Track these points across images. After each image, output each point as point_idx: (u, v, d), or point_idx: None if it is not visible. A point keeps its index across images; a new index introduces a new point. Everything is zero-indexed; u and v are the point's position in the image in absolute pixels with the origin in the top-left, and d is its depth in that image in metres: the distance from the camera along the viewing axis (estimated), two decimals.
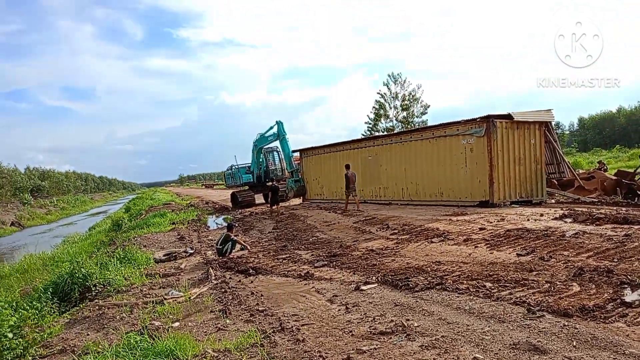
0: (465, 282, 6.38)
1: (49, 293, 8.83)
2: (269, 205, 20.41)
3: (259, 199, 27.25)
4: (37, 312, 7.23)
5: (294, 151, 25.55)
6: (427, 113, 44.81)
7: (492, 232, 9.53)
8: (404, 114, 44.96)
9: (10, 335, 5.67)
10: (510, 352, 4.04)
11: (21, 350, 5.75)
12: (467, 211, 13.23)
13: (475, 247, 8.60)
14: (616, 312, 4.64)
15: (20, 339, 5.92)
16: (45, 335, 6.28)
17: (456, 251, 8.47)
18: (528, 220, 10.62)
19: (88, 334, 6.12)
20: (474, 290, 5.95)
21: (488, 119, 14.11)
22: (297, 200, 25.08)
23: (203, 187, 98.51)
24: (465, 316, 5.08)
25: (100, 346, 5.13)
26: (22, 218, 46.72)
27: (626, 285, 5.31)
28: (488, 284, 6.12)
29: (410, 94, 44.68)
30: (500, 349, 4.11)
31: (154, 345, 4.79)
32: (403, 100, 44.90)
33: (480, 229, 10.07)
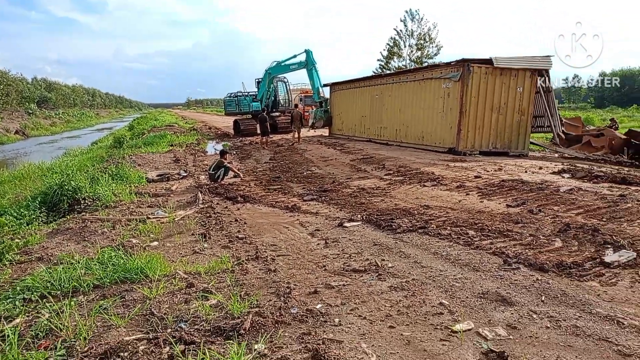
0: (449, 228, 6.30)
1: (37, 202, 8.87)
2: (261, 136, 19.98)
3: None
4: (20, 219, 7.26)
5: (324, 85, 25.01)
6: (439, 54, 43.33)
7: (486, 181, 9.37)
8: (418, 53, 43.47)
9: None
10: (477, 300, 3.99)
11: None
12: (467, 158, 13.00)
13: (467, 194, 8.47)
14: (593, 272, 4.55)
15: None
16: (24, 242, 6.32)
17: (447, 197, 8.35)
18: (525, 172, 10.41)
19: (68, 245, 6.15)
20: (456, 237, 5.87)
21: (464, 63, 13.45)
22: (320, 132, 24.95)
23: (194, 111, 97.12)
24: (441, 262, 5.02)
25: (74, 258, 5.14)
26: (26, 127, 46.67)
27: (609, 246, 5.20)
28: (471, 232, 6.04)
29: (427, 33, 42.95)
30: (467, 297, 4.07)
31: (126, 262, 4.78)
32: (418, 40, 43.24)
33: (476, 176, 9.90)
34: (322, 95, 24.29)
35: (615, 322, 3.53)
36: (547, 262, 4.76)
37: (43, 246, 6.16)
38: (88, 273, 4.68)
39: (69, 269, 4.74)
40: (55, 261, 5.33)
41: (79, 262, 4.91)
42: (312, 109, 25.31)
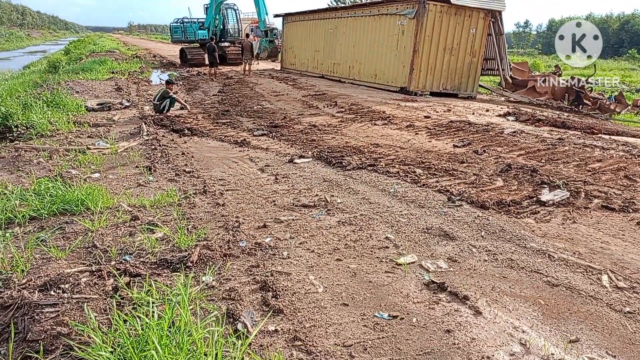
0: (397, 166, 6.41)
1: None
2: (209, 67, 19.00)
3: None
4: None
5: (275, 16, 23.78)
6: None
7: (435, 122, 9.53)
8: None
9: None
10: (421, 235, 4.15)
11: None
12: (417, 99, 13.11)
13: (416, 134, 8.60)
14: (529, 209, 4.82)
15: None
16: None
17: (396, 136, 8.44)
18: (473, 114, 10.67)
19: (0, 175, 5.77)
20: (404, 175, 6.00)
21: (419, 0, 13.29)
22: (272, 65, 24.10)
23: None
24: (388, 198, 5.14)
25: (7, 189, 4.83)
26: None
27: (545, 186, 5.50)
28: (419, 171, 6.18)
29: None
30: (412, 232, 4.21)
31: (65, 194, 4.54)
32: None
33: (425, 117, 10.04)
34: (268, 24, 23.29)
35: (547, 255, 3.79)
36: (488, 200, 4.98)
37: None
38: (23, 204, 4.42)
39: (1, 199, 4.46)
40: None
41: (12, 193, 4.62)
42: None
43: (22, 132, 8.30)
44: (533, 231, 4.29)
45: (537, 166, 6.30)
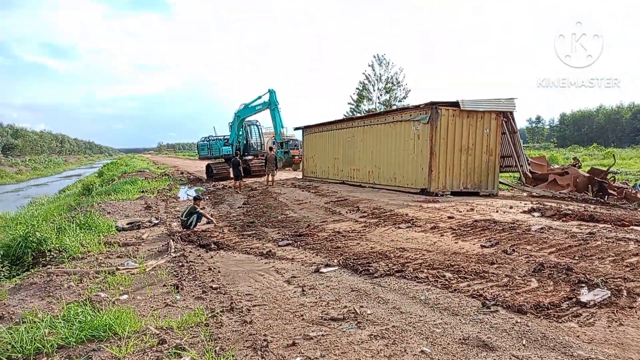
0: (425, 270, 6.28)
1: None
2: (234, 180, 19.89)
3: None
4: None
5: (296, 129, 25.43)
6: (407, 97, 44.77)
7: (459, 222, 9.47)
8: (387, 96, 44.79)
9: None
10: (458, 347, 3.93)
11: None
12: (439, 199, 13.18)
13: (442, 235, 8.52)
14: (570, 312, 4.57)
15: None
16: None
17: (422, 238, 8.38)
18: (497, 212, 10.60)
19: (32, 302, 5.83)
20: (433, 279, 5.85)
21: (432, 106, 13.90)
22: (294, 174, 25.17)
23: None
24: (420, 306, 4.97)
25: (37, 316, 4.86)
26: None
27: (584, 285, 5.27)
28: (448, 274, 6.03)
29: (394, 77, 44.49)
30: (449, 343, 4.00)
31: (93, 319, 4.54)
32: (386, 83, 44.68)
33: (449, 217, 10.01)
34: (283, 136, 24.66)
35: None
36: (525, 304, 4.76)
37: (4, 304, 5.81)
38: (52, 332, 4.42)
39: (31, 328, 4.47)
40: (17, 320, 5.02)
41: (42, 321, 4.64)
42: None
43: (55, 255, 8.55)
44: (578, 337, 4.03)
45: (571, 264, 6.08)
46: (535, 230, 8.28)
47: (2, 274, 7.91)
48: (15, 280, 7.31)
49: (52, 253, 8.63)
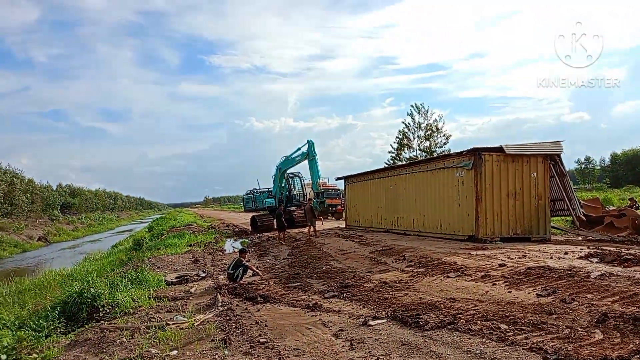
0: (479, 322, 6.02)
1: (56, 312, 8.79)
2: (278, 231, 20.19)
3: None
4: (38, 332, 7.14)
5: (338, 179, 26.01)
6: (448, 143, 44.52)
7: (512, 269, 9.09)
8: (427, 143, 44.71)
9: (3, 357, 5.55)
10: None
11: None
12: (488, 246, 12.76)
13: (494, 284, 8.19)
14: None
15: None
16: (41, 358, 6.16)
17: (473, 288, 8.07)
18: (551, 258, 10.12)
19: (85, 358, 5.99)
20: (488, 332, 5.58)
21: (475, 152, 13.72)
22: (337, 223, 25.53)
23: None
24: None
25: None
26: (49, 233, 47.68)
27: None
28: (503, 326, 5.75)
29: (434, 124, 44.57)
30: None
31: None
32: (426, 131, 44.75)
33: (500, 265, 9.63)
34: (320, 186, 25.09)
35: None
36: (591, 357, 4.45)
37: None
38: None
39: None
40: None
41: None
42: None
43: (108, 310, 8.78)
44: None
45: (638, 313, 5.67)
46: (595, 277, 7.83)
47: (59, 330, 8.17)
48: (71, 337, 7.53)
49: (105, 308, 8.87)
